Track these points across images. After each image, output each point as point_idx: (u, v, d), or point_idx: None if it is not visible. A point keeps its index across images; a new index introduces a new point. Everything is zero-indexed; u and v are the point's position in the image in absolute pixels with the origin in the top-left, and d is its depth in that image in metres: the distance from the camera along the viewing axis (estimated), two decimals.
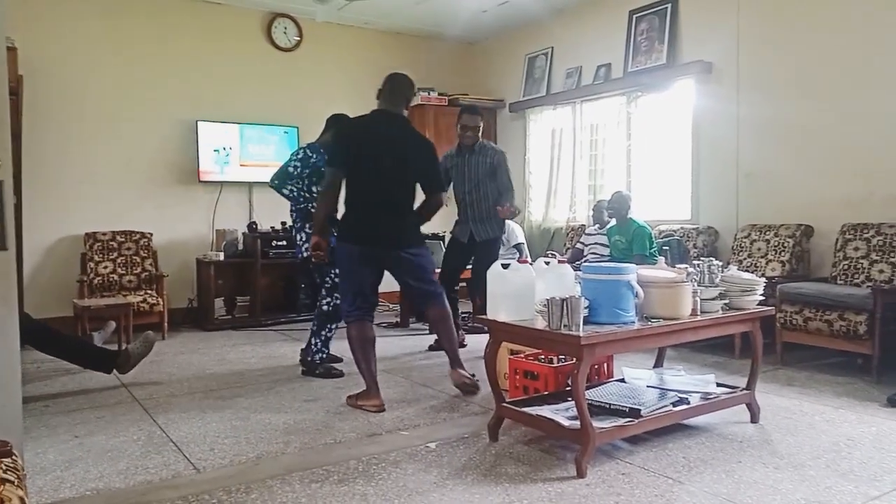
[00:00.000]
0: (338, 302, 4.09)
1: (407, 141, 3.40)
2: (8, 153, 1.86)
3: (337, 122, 4.21)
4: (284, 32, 6.53)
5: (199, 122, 5.96)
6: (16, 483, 1.37)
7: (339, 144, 3.45)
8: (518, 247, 5.75)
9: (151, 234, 5.68)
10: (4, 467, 1.38)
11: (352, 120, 3.49)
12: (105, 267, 5.42)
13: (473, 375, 3.62)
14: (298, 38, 6.60)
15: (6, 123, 1.86)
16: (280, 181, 4.12)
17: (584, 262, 5.00)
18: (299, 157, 4.13)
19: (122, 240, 5.55)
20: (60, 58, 5.50)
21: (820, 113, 4.61)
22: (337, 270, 4.13)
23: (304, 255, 4.15)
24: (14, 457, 1.44)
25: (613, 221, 5.18)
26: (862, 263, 4.18)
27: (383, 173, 3.30)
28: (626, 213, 4.99)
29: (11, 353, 1.88)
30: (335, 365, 4.15)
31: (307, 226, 4.10)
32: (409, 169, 3.37)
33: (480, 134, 4.59)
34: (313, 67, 6.70)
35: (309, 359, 4.11)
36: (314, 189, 4.08)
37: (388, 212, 3.34)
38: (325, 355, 4.13)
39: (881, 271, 4.09)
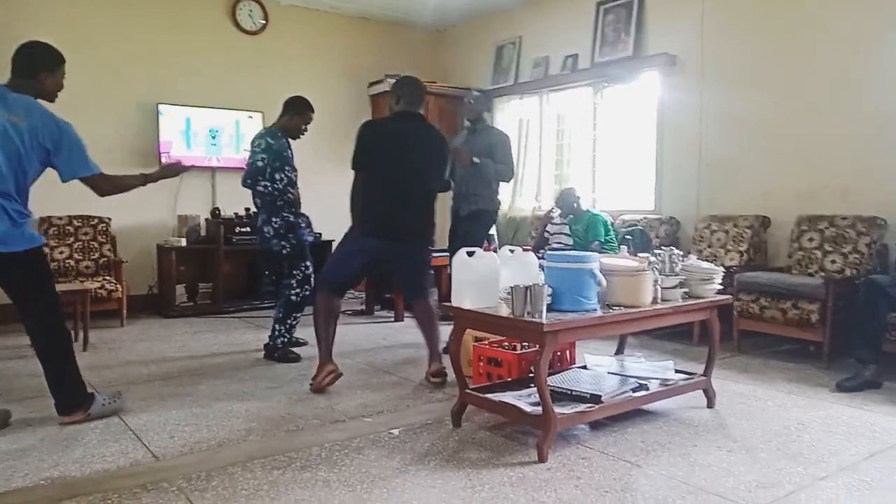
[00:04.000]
0: (307, 293, 4.08)
1: (432, 143, 3.54)
2: None
3: (294, 106, 4.13)
4: (250, 15, 6.40)
5: (159, 106, 5.82)
6: None
7: (366, 149, 3.43)
8: (488, 237, 5.74)
9: (110, 219, 5.54)
10: None
11: (382, 123, 3.63)
12: (61, 252, 5.28)
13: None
14: (264, 22, 6.48)
15: None
16: (252, 180, 4.01)
17: (548, 250, 5.05)
18: (262, 147, 4.00)
19: (79, 224, 5.40)
20: (13, 37, 5.29)
21: (778, 106, 4.73)
22: (308, 263, 4.12)
23: (276, 249, 4.09)
24: None
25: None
26: (816, 254, 4.31)
27: (408, 172, 3.40)
28: (576, 206, 5.15)
29: None
30: (295, 349, 4.14)
31: (273, 219, 4.05)
32: (438, 166, 3.54)
33: (477, 111, 4.45)
34: (279, 51, 6.59)
35: (270, 343, 4.11)
36: (277, 177, 4.01)
37: (410, 209, 3.45)
38: (286, 340, 4.11)
39: (833, 262, 4.22)
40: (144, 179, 3.06)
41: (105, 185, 2.93)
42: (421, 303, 3.62)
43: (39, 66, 2.83)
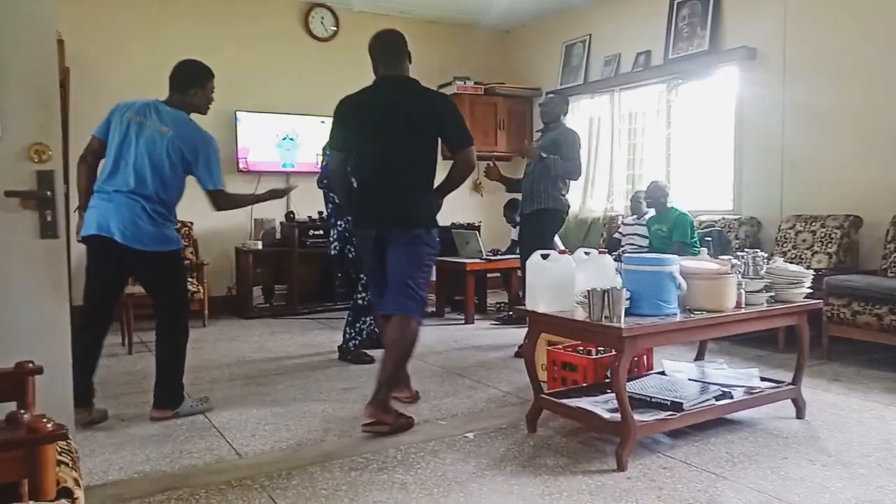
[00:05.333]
0: None
1: (416, 103, 2.93)
2: (59, 143, 1.90)
3: None
4: (321, 22, 6.56)
5: (237, 113, 6.03)
6: (70, 465, 1.40)
7: (337, 123, 3.01)
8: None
9: (192, 223, 5.78)
10: (60, 449, 1.41)
11: (353, 94, 3.03)
12: None
13: (413, 395, 3.23)
14: (335, 28, 6.62)
15: (57, 115, 1.90)
16: (329, 180, 4.11)
17: (621, 252, 4.93)
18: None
19: None
20: (105, 50, 5.61)
21: (870, 99, 4.45)
22: None
23: (332, 251, 4.20)
24: (69, 440, 1.47)
25: (652, 211, 5.10)
26: None
27: (389, 144, 2.88)
28: (664, 201, 4.93)
29: (63, 339, 1.93)
30: (370, 352, 4.20)
31: (338, 222, 4.14)
32: (423, 134, 2.90)
33: (553, 114, 4.39)
34: (350, 57, 6.68)
35: (343, 345, 4.19)
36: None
37: (393, 186, 2.90)
38: (358, 341, 4.18)
39: None
40: (255, 199, 3.37)
41: (221, 202, 3.14)
42: (396, 321, 2.87)
43: (190, 83, 3.08)
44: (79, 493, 1.32)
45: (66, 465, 1.39)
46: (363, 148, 2.96)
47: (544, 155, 4.11)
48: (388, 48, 3.00)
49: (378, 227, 2.93)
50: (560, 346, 3.40)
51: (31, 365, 1.51)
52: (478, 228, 6.10)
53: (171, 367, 3.08)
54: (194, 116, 3.11)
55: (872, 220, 4.41)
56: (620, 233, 5.54)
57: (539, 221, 4.27)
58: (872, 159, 4.45)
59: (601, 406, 2.69)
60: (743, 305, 2.77)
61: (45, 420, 1.16)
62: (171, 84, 3.08)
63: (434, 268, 5.23)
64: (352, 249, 4.13)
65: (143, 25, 5.75)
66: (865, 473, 2.37)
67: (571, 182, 4.38)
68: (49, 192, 1.89)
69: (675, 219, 4.82)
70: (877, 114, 4.42)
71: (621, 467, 2.40)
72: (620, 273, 2.71)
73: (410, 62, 3.05)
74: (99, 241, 2.87)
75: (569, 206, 4.43)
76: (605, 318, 2.45)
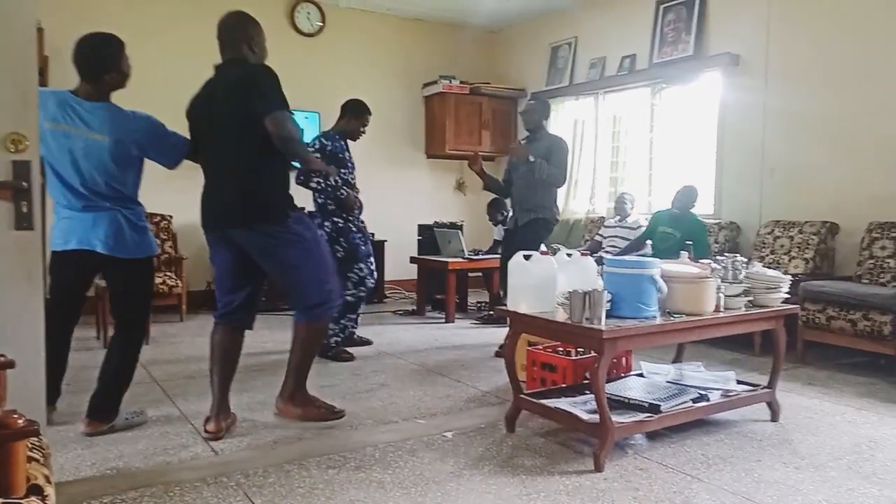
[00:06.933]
0: (361, 294, 4.15)
1: (229, 83, 2.66)
2: (36, 134, 1.86)
3: (351, 109, 4.21)
4: (307, 17, 6.51)
5: None
6: (41, 461, 1.38)
7: (188, 121, 2.88)
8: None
9: (171, 217, 5.71)
10: (31, 445, 1.39)
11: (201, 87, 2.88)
12: None
13: (336, 410, 3.00)
14: (321, 24, 6.58)
15: (35, 105, 1.86)
16: (305, 176, 4.10)
17: (602, 254, 4.94)
18: (316, 147, 4.11)
19: None
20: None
21: (849, 107, 4.52)
22: (362, 265, 4.17)
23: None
24: (40, 436, 1.45)
25: (635, 214, 5.12)
26: (888, 263, 4.10)
27: (217, 138, 2.71)
28: (691, 207, 4.80)
29: (36, 332, 1.89)
30: (350, 349, 4.19)
31: (325, 223, 4.11)
32: (237, 114, 2.61)
33: (534, 120, 4.39)
34: (336, 53, 6.68)
35: (325, 342, 4.16)
36: (330, 179, 4.08)
37: (225, 180, 2.71)
38: (341, 339, 4.17)
39: None
40: None
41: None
42: (300, 326, 2.88)
43: (103, 66, 2.67)
44: (49, 491, 1.29)
45: (37, 461, 1.36)
46: (200, 145, 2.80)
47: (532, 158, 4.13)
48: (221, 32, 2.83)
49: (224, 229, 2.73)
50: (540, 347, 3.41)
51: (1, 359, 1.48)
52: (460, 227, 6.10)
53: (123, 380, 2.82)
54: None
55: (849, 227, 4.48)
56: (601, 234, 5.57)
57: (534, 230, 4.25)
58: (850, 167, 4.52)
59: (580, 407, 2.70)
60: (722, 309, 2.80)
61: (15, 416, 1.13)
62: (81, 70, 2.61)
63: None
64: (339, 249, 4.11)
65: (125, 16, 5.66)
66: (836, 476, 2.41)
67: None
68: (25, 183, 1.85)
69: (695, 228, 4.66)
70: (855, 122, 4.49)
71: (598, 468, 2.42)
72: (602, 275, 2.73)
73: (256, 51, 2.85)
74: (76, 255, 2.66)
75: (558, 215, 4.45)
76: (586, 319, 2.46)
